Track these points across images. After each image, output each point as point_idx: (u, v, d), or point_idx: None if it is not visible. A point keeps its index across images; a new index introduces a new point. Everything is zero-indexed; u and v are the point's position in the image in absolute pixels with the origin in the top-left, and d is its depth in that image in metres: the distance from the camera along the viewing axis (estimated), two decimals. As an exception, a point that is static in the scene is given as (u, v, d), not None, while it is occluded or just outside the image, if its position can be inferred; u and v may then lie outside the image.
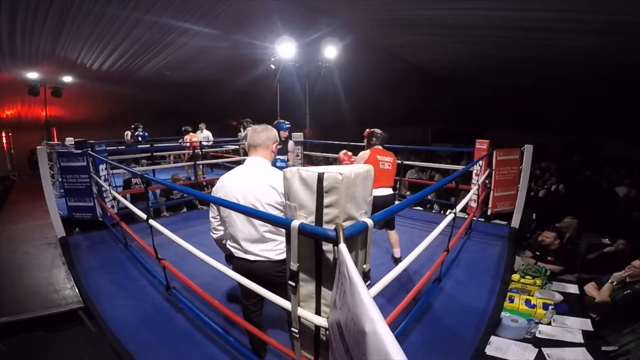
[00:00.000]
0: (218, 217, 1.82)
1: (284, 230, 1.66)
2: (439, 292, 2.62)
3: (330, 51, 7.48)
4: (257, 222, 1.64)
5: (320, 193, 1.05)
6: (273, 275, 1.68)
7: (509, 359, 2.05)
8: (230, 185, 1.71)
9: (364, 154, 3.11)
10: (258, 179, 1.65)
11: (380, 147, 3.17)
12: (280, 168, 3.52)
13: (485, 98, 10.41)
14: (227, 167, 8.66)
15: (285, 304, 1.28)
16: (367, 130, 3.26)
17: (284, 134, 3.62)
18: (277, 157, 3.40)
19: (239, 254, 1.73)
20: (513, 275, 2.95)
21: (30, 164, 11.40)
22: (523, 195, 3.86)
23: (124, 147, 8.00)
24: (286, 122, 3.68)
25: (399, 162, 5.09)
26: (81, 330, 2.56)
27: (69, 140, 6.68)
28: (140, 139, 7.93)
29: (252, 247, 1.68)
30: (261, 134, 1.75)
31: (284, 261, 1.61)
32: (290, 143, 3.81)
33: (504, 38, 6.45)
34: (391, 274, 1.52)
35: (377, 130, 3.20)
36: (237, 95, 12.26)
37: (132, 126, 8.11)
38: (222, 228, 1.84)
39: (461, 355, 2.00)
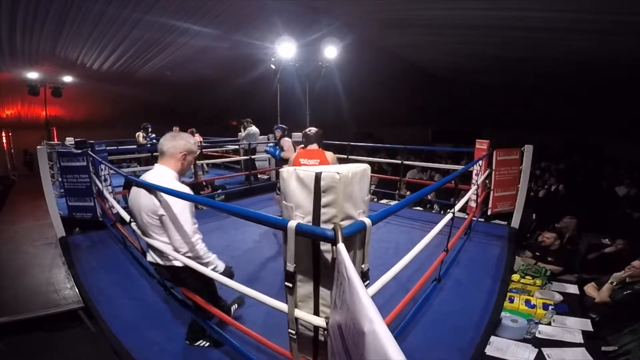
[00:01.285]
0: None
1: (170, 235, 1.67)
2: (438, 292, 2.62)
3: (330, 51, 7.48)
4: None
5: (317, 192, 1.05)
6: (170, 279, 1.86)
7: (509, 359, 2.05)
8: (132, 188, 1.78)
9: (293, 155, 3.03)
10: (143, 190, 1.67)
11: (312, 146, 2.96)
12: (272, 153, 4.20)
13: (485, 98, 10.40)
14: (228, 167, 8.68)
15: (282, 305, 1.27)
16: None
17: (278, 132, 4.76)
18: (270, 144, 4.73)
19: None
20: (513, 276, 2.95)
21: (25, 164, 11.42)
22: (523, 195, 3.86)
23: (134, 147, 8.02)
24: (279, 125, 4.87)
25: (399, 162, 5.11)
26: (81, 330, 2.55)
27: (69, 140, 6.69)
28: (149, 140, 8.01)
29: (149, 249, 1.83)
30: (167, 143, 1.71)
31: (170, 267, 1.76)
32: (285, 142, 4.48)
33: (504, 38, 6.45)
34: (390, 274, 1.51)
35: (307, 130, 3.02)
36: (237, 95, 12.26)
37: (142, 127, 8.12)
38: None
39: (461, 355, 2.00)
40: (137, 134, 8.12)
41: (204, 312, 1.89)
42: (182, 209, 1.64)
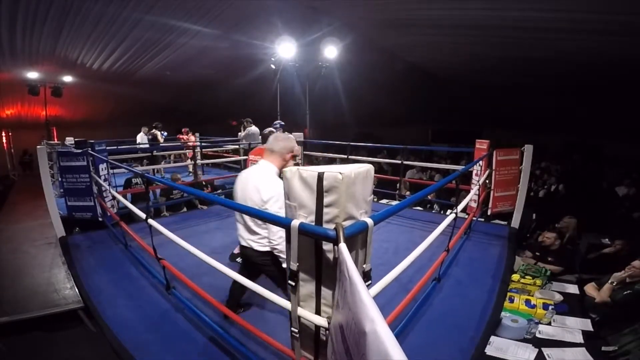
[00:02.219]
0: None
1: (269, 227, 1.85)
2: (438, 292, 2.62)
3: (330, 51, 7.48)
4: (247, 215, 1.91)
5: (320, 192, 1.05)
6: (257, 262, 1.96)
7: (509, 359, 2.05)
8: (238, 180, 2.01)
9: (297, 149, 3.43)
10: (252, 180, 1.90)
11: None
12: None
13: (485, 98, 10.42)
14: (227, 167, 8.68)
15: (285, 303, 1.27)
16: None
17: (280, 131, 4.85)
18: None
19: (239, 239, 2.03)
20: (513, 275, 2.95)
21: (21, 164, 11.39)
22: (523, 195, 3.86)
23: (149, 145, 8.04)
24: (279, 122, 5.26)
25: (399, 162, 5.12)
26: (81, 330, 2.55)
27: (69, 140, 6.67)
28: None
29: (244, 235, 1.98)
30: (279, 142, 1.96)
31: (265, 253, 1.91)
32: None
33: (504, 38, 6.46)
34: (391, 274, 1.51)
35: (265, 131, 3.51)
36: (237, 95, 12.26)
37: (155, 125, 8.11)
38: None
39: (461, 355, 2.00)
40: (153, 131, 8.08)
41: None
42: (283, 205, 1.79)
